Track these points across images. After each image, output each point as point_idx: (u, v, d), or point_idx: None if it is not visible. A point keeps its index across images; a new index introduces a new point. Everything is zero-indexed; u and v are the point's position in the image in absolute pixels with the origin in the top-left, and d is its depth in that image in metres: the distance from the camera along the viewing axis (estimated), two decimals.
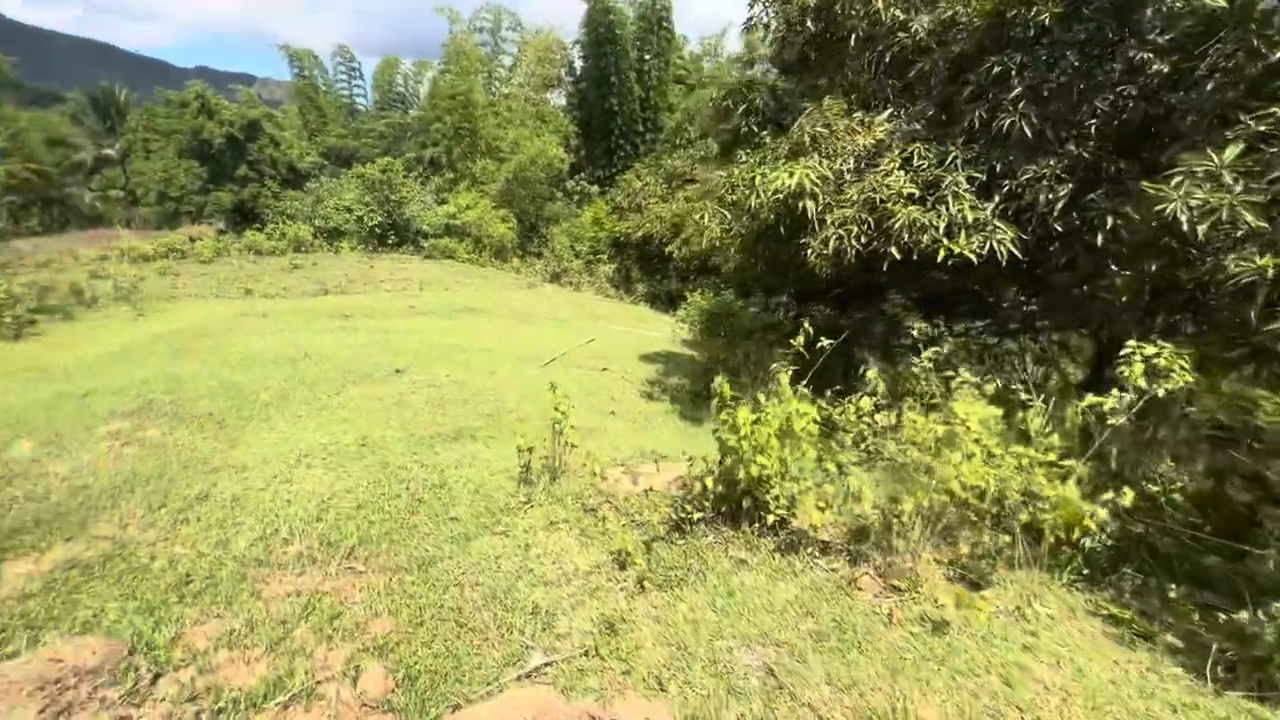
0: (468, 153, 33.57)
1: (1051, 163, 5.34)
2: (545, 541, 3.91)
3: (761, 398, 3.93)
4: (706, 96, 30.82)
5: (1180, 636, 3.19)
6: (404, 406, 6.68)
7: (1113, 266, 5.33)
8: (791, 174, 6.06)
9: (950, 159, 5.81)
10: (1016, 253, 5.31)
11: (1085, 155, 5.35)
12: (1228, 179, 3.97)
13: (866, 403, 4.38)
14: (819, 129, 6.52)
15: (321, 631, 2.98)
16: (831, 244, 6.05)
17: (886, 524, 3.39)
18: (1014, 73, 5.47)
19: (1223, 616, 3.17)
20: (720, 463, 3.86)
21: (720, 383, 3.89)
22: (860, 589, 3.40)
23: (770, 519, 3.69)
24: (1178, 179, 4.16)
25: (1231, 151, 4.06)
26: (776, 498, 3.67)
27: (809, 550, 3.68)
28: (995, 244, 5.34)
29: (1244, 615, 3.01)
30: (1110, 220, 4.98)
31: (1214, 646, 2.96)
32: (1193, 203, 3.99)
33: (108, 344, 9.29)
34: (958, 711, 2.60)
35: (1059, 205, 5.50)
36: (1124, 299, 4.96)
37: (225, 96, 34.93)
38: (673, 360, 13.67)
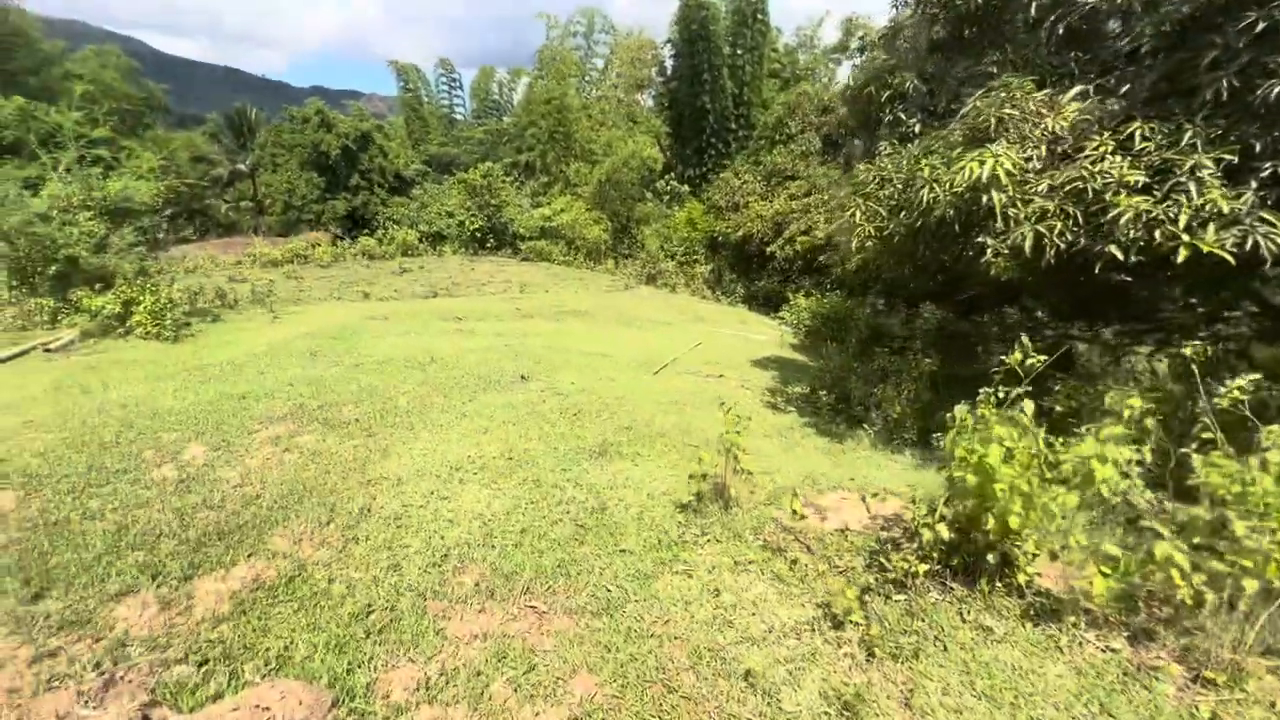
0: (562, 156, 34.05)
1: None
2: (735, 585, 3.44)
3: (993, 425, 3.27)
4: (805, 90, 29.66)
5: None
6: (539, 417, 6.45)
7: None
8: (982, 162, 5.28)
9: (1187, 139, 4.84)
10: None
11: None
12: None
13: (1118, 439, 3.59)
14: (1006, 110, 5.68)
15: (520, 689, 2.65)
16: (1028, 241, 5.21)
17: (1197, 598, 2.66)
18: None
19: None
20: (949, 502, 3.23)
21: (961, 412, 3.27)
22: (1158, 679, 2.69)
23: (1021, 578, 3.03)
24: None
25: None
26: (1029, 554, 3.02)
27: (1071, 621, 3.00)
28: (1261, 239, 4.36)
29: None
30: None
31: None
32: None
33: (252, 345, 9.77)
34: None
35: None
36: None
37: (339, 111, 37.33)
38: (787, 366, 12.94)
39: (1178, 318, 10.56)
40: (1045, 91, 6.05)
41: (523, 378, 8.20)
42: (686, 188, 34.76)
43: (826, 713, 2.57)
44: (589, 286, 22.59)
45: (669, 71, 38.75)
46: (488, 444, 5.55)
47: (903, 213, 6.80)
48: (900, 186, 7.06)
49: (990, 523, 2.96)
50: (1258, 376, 2.98)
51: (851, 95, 9.12)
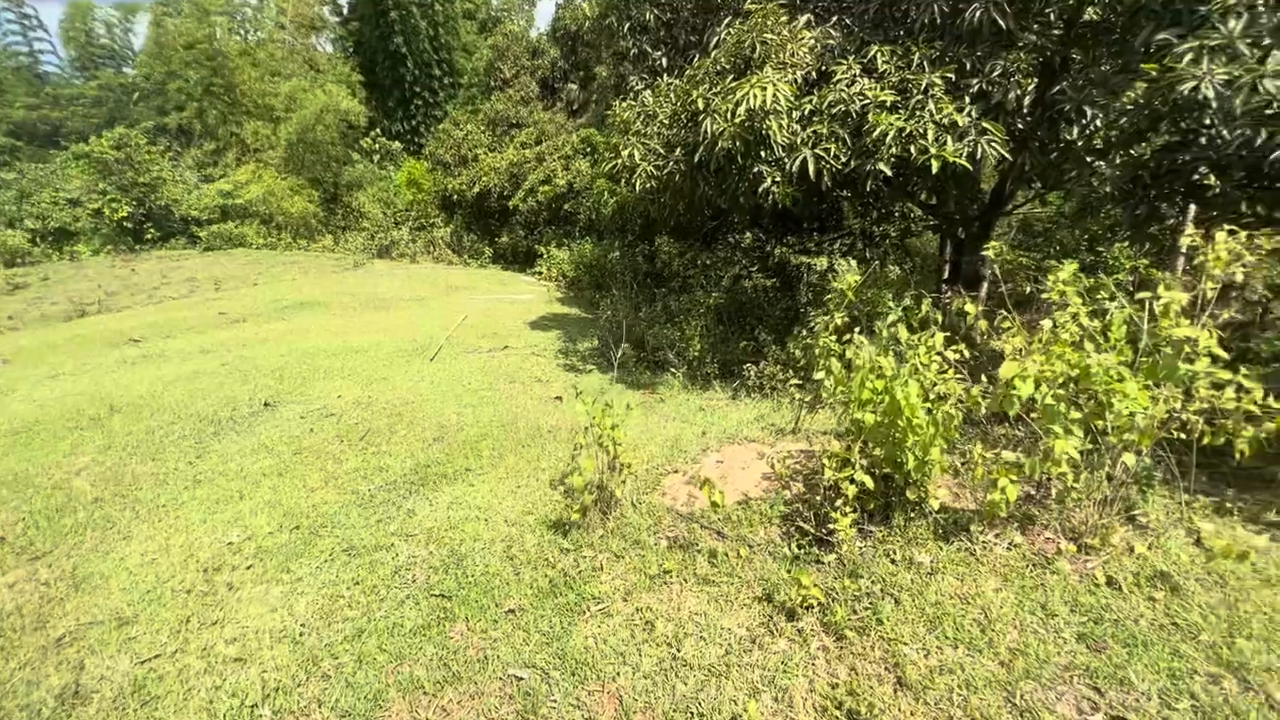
0: (228, 115, 27.48)
1: (1023, 55, 5.10)
2: (663, 608, 2.87)
3: (873, 353, 3.18)
4: (511, 30, 28.24)
5: None
6: (314, 454, 4.92)
7: (1090, 160, 5.35)
8: (763, 88, 5.18)
9: (916, 60, 5.34)
10: (1006, 154, 5.06)
11: (1049, 47, 5.18)
12: (1244, 50, 3.90)
13: (939, 339, 3.81)
14: (767, 35, 5.67)
15: None
16: (811, 166, 5.35)
17: (1038, 480, 2.89)
18: None
19: None
20: (859, 446, 3.07)
21: (828, 347, 3.05)
22: (1050, 559, 2.90)
23: (934, 503, 3.02)
24: (1190, 56, 4.03)
25: (1235, 25, 3.99)
26: (935, 479, 3.01)
27: (976, 530, 3.10)
28: (984, 146, 5.04)
29: None
30: (1089, 111, 4.87)
31: None
32: (1218, 78, 3.88)
33: None
34: None
35: (1026, 101, 5.34)
36: (1110, 190, 4.98)
37: None
38: (565, 322, 12.46)
39: (855, 224, 12.75)
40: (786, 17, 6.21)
41: (266, 404, 6.28)
42: (398, 144, 31.10)
43: None
44: (309, 271, 18.96)
45: (344, 9, 33.51)
46: (251, 515, 3.98)
47: (678, 149, 6.59)
48: (667, 121, 6.81)
49: (911, 461, 2.85)
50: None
51: (592, 26, 8.52)
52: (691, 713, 2.31)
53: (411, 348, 9.40)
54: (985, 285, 8.17)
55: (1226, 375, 2.69)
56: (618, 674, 2.52)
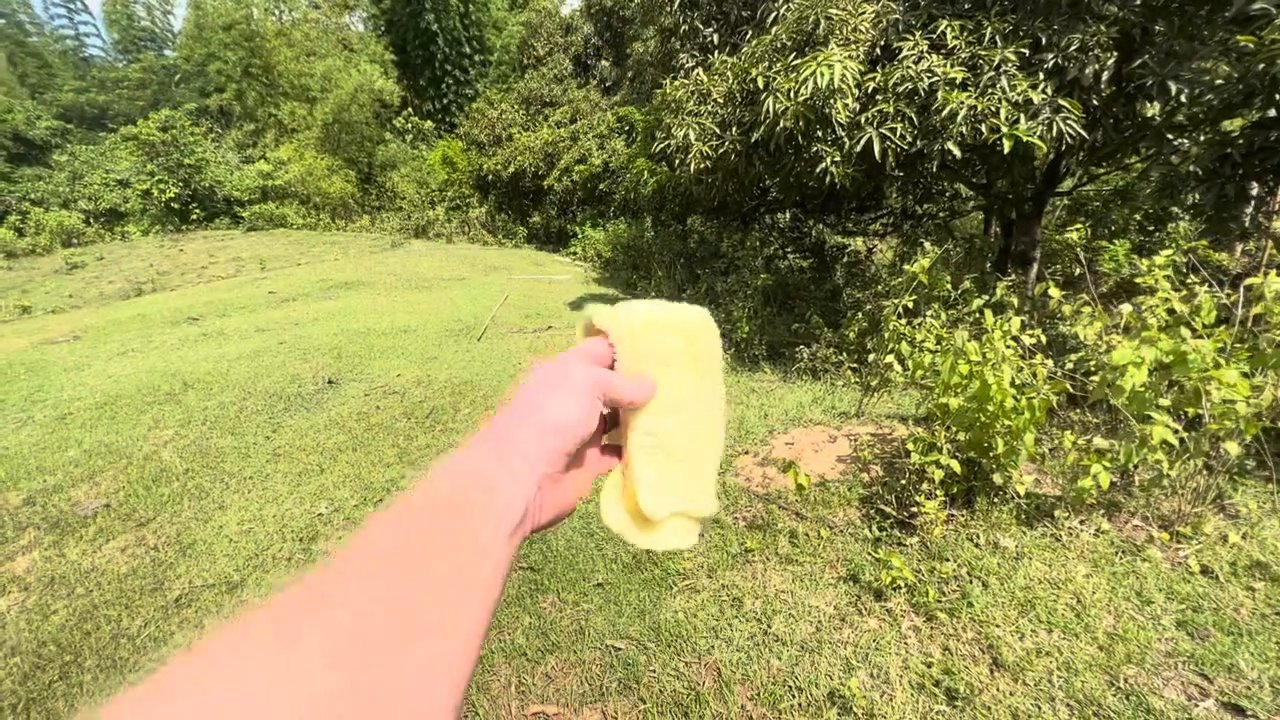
0: (266, 96, 27.92)
1: (1103, 28, 4.90)
2: (749, 585, 2.94)
3: (964, 338, 3.15)
4: (545, 7, 28.01)
5: None
6: (384, 430, 5.09)
7: (1171, 138, 5.17)
8: (829, 67, 5.09)
9: (988, 35, 5.18)
10: (1082, 133, 4.90)
11: (1132, 18, 4.97)
12: None
13: (1016, 323, 3.76)
14: (832, 10, 5.54)
15: None
16: (876, 146, 5.26)
17: (1124, 468, 2.86)
18: None
19: None
20: (944, 430, 3.07)
21: (901, 330, 3.04)
22: (1150, 545, 2.89)
23: (1020, 488, 3.02)
24: None
25: None
26: (1023, 465, 3.00)
27: (1061, 515, 3.09)
28: (1060, 124, 4.89)
29: None
30: (1173, 87, 4.68)
31: None
32: None
33: None
34: None
35: (1105, 77, 5.15)
36: (1194, 169, 4.80)
37: None
38: (604, 302, 12.51)
39: (895, 203, 12.46)
40: None
41: (330, 382, 6.48)
42: (430, 123, 31.24)
43: (934, 710, 2.25)
44: (349, 251, 19.32)
45: None
46: (335, 488, 4.15)
47: (733, 128, 6.52)
48: (722, 100, 6.73)
49: (1001, 446, 2.84)
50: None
51: (644, 3, 8.41)
52: (789, 686, 2.38)
53: (457, 327, 9.57)
54: (1035, 266, 7.98)
55: None
56: (712, 647, 2.60)
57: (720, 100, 6.75)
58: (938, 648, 2.51)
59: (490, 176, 22.66)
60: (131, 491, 4.21)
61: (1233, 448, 2.65)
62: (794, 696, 2.34)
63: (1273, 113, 4.23)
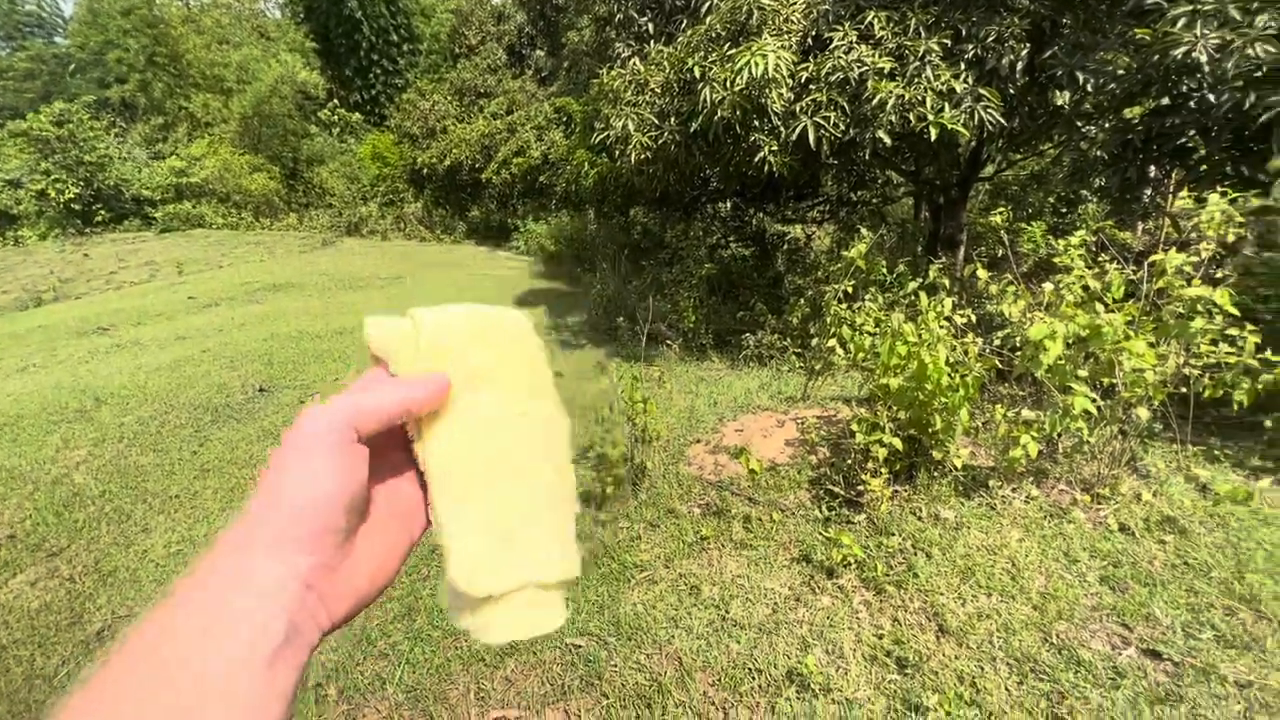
0: (175, 87, 26.05)
1: (1016, 20, 5.16)
2: (705, 572, 2.97)
3: (900, 320, 3.28)
4: None
5: None
6: None
7: (1080, 125, 5.49)
8: (763, 56, 5.15)
9: (913, 26, 5.36)
10: (1002, 120, 5.15)
11: (1042, 11, 5.25)
12: (1234, 13, 4.02)
13: (948, 303, 3.94)
14: (765, 2, 5.60)
15: None
16: (811, 134, 5.37)
17: (1049, 436, 3.06)
18: None
19: None
20: (885, 410, 3.18)
21: (841, 314, 3.14)
22: (1065, 509, 3.09)
23: (957, 462, 3.17)
24: (1184, 19, 4.14)
25: None
26: (958, 438, 3.15)
27: (994, 484, 3.27)
28: (981, 112, 5.12)
29: None
30: (1080, 77, 4.98)
31: None
32: (1211, 42, 4.00)
33: None
34: None
35: (1019, 67, 5.42)
36: (1100, 154, 5.13)
37: None
38: (551, 297, 12.37)
39: (831, 191, 12.86)
40: None
41: (261, 390, 6.16)
42: (358, 116, 29.92)
43: (887, 679, 2.34)
44: (275, 251, 18.33)
45: None
46: None
47: (672, 118, 6.53)
48: (660, 90, 6.72)
49: (939, 423, 2.97)
50: None
51: None
52: (749, 669, 2.43)
53: None
54: (963, 249, 8.39)
55: (1235, 331, 2.86)
56: (672, 636, 2.62)
57: (658, 90, 6.74)
58: (888, 619, 2.61)
59: (425, 170, 21.96)
60: (40, 519, 3.87)
61: (1143, 413, 2.86)
62: (754, 678, 2.38)
63: (1167, 101, 4.56)
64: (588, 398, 5.55)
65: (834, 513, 3.24)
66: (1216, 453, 3.63)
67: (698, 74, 5.79)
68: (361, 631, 2.79)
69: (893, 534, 3.03)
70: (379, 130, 27.32)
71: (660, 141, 6.52)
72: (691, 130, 6.18)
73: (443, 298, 8.67)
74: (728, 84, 5.45)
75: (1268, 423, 3.55)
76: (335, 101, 29.64)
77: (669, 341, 7.93)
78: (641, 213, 13.90)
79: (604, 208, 15.01)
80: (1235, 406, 3.11)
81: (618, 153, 6.69)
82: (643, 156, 6.53)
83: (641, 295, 9.65)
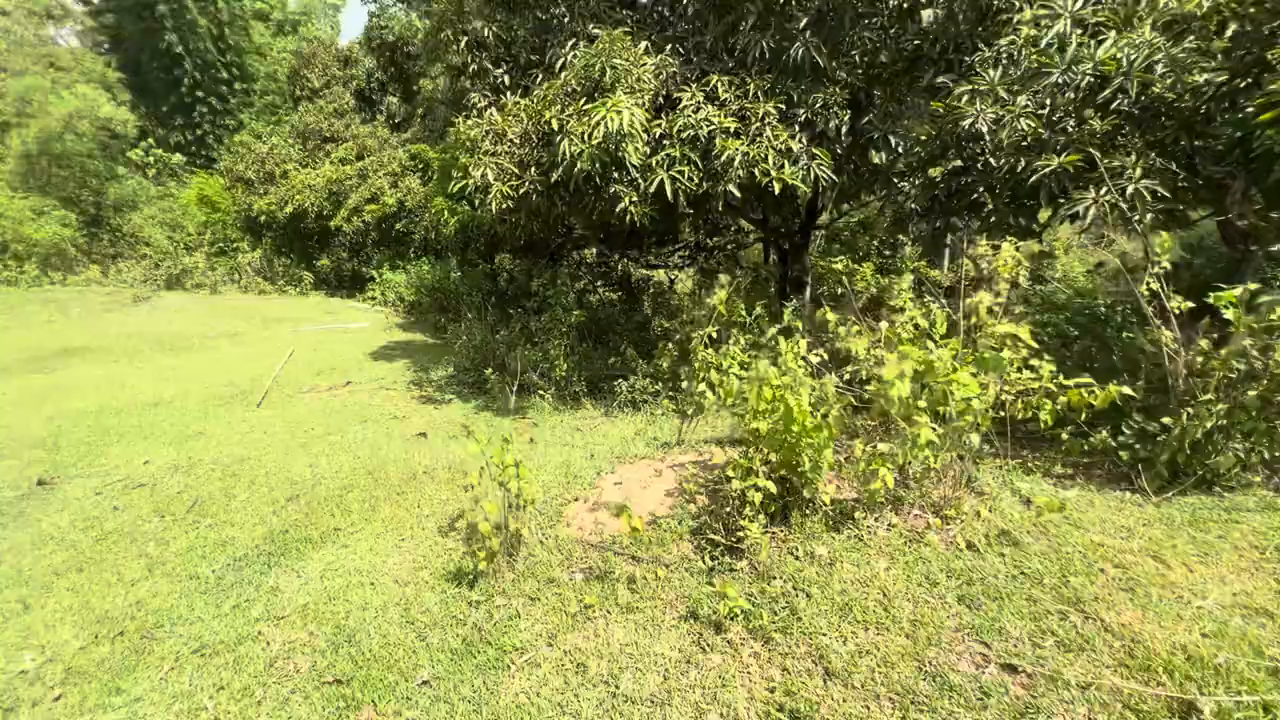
0: None
1: (837, 90, 5.80)
2: (590, 645, 2.78)
3: (765, 365, 3.40)
4: (318, 37, 25.98)
5: None
6: (126, 538, 4.04)
7: (896, 181, 6.23)
8: (618, 112, 5.29)
9: (753, 91, 5.83)
10: (832, 176, 5.71)
11: (857, 84, 5.96)
12: (1003, 94, 4.82)
13: (803, 344, 4.18)
14: (617, 61, 5.81)
15: None
16: (668, 187, 5.58)
17: (899, 466, 3.32)
18: (797, 1, 5.67)
19: None
20: (756, 454, 3.25)
21: (726, 359, 3.22)
22: (921, 534, 3.32)
23: (825, 498, 3.29)
24: (966, 97, 4.89)
25: (993, 74, 4.92)
26: (825, 476, 3.28)
27: (859, 516, 3.43)
28: (815, 169, 5.65)
29: None
30: (893, 140, 5.69)
31: None
32: (989, 116, 4.75)
33: None
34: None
35: (843, 130, 6.08)
36: (914, 207, 5.85)
37: None
38: (412, 350, 11.64)
39: (689, 238, 13.67)
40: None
41: (40, 483, 5.06)
42: (179, 157, 26.92)
43: None
44: (70, 311, 15.59)
45: None
46: (48, 629, 3.16)
47: (532, 168, 6.50)
48: (519, 141, 6.69)
49: (806, 464, 3.08)
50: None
51: (428, 42, 8.10)
52: None
53: (230, 393, 8.18)
54: (808, 289, 9.15)
55: (1037, 362, 3.29)
56: (558, 713, 2.39)
57: (517, 141, 6.71)
58: (777, 669, 2.58)
59: (263, 217, 20.03)
60: None
61: (974, 438, 3.18)
62: None
63: (960, 163, 5.33)
64: (455, 460, 5.18)
65: (717, 562, 3.22)
66: (1030, 465, 4.13)
67: (555, 126, 5.84)
68: None
69: (774, 577, 3.05)
70: (207, 173, 24.66)
71: (522, 191, 6.45)
72: (553, 180, 6.19)
73: (282, 354, 7.74)
74: (585, 137, 5.54)
75: (1064, 435, 4.12)
76: (151, 140, 26.51)
77: (541, 391, 7.71)
78: (508, 260, 13.70)
79: (467, 255, 14.59)
80: (1042, 424, 3.57)
81: (478, 201, 6.51)
82: (504, 205, 6.41)
83: (510, 345, 9.36)
